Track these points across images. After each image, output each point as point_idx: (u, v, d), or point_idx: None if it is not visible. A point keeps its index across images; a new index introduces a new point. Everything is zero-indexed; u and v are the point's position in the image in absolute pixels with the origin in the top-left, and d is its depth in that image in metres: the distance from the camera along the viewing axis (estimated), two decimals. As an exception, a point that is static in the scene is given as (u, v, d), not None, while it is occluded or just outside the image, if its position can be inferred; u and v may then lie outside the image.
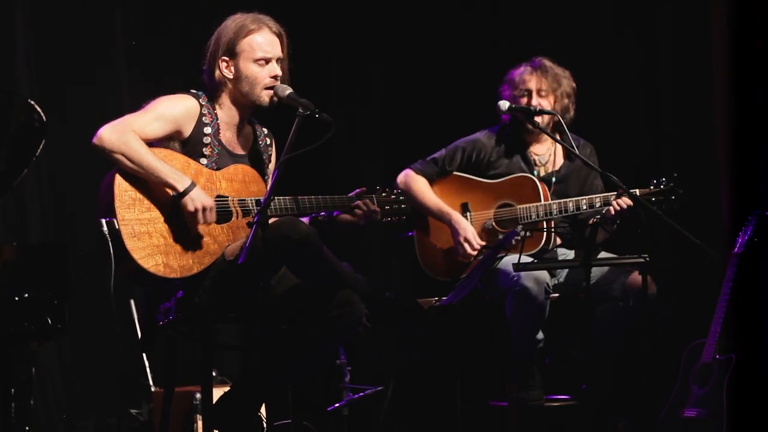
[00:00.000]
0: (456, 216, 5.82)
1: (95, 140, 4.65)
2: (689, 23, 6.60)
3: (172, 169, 4.68)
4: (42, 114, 4.86)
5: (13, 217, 6.40)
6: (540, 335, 5.63)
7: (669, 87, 6.75)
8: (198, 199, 4.66)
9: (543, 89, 5.81)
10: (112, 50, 6.80)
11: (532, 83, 5.82)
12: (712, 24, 6.30)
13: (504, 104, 5.67)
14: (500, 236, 5.69)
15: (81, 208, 6.40)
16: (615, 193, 5.56)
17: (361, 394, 6.32)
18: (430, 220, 5.93)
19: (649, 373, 5.91)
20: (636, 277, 5.50)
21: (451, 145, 5.98)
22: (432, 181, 5.93)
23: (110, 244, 4.55)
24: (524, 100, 5.80)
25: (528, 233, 5.54)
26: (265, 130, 5.11)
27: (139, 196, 4.64)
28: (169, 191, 4.67)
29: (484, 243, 5.75)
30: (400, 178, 5.94)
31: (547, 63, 5.87)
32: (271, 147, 5.11)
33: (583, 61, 6.66)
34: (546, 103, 5.79)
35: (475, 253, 5.71)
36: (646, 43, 6.83)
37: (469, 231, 5.76)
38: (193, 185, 4.66)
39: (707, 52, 6.36)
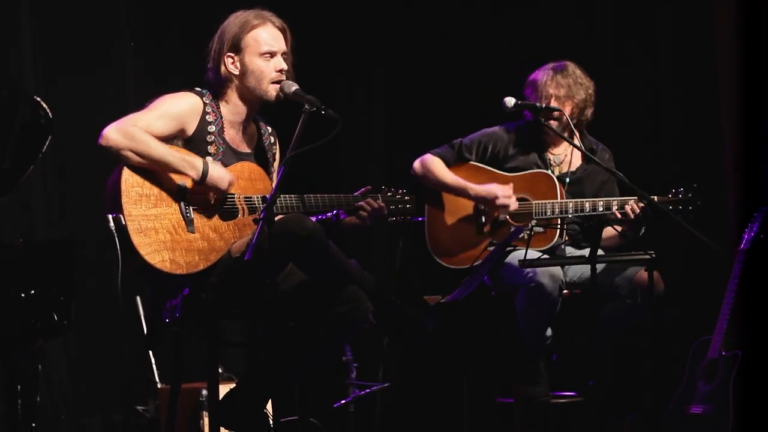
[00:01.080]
0: (474, 186, 5.80)
1: (101, 141, 4.65)
2: (693, 21, 6.60)
3: (182, 155, 4.69)
4: (48, 111, 4.86)
5: (19, 213, 6.40)
6: (548, 332, 5.63)
7: (674, 84, 6.74)
8: (220, 180, 4.69)
9: (561, 95, 5.82)
10: (116, 47, 6.80)
11: (552, 88, 5.82)
12: (717, 22, 6.30)
13: (510, 101, 5.66)
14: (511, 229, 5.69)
15: (87, 204, 6.39)
16: (633, 198, 5.54)
17: (368, 390, 6.32)
18: (440, 207, 5.92)
19: (655, 370, 5.91)
20: (643, 274, 5.49)
21: (469, 135, 5.98)
22: (449, 166, 5.92)
23: (117, 239, 4.55)
24: (546, 102, 5.80)
25: (534, 231, 5.54)
26: (269, 129, 5.11)
27: (146, 191, 4.65)
28: (181, 179, 4.68)
29: (512, 195, 5.74)
30: (417, 162, 5.95)
31: (570, 67, 5.87)
32: (275, 145, 5.11)
33: (585, 61, 6.65)
34: (564, 107, 5.79)
35: (513, 202, 5.71)
36: (649, 41, 6.83)
37: (495, 189, 5.74)
38: (206, 166, 4.67)
39: (712, 48, 6.36)
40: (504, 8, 7.12)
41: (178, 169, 4.67)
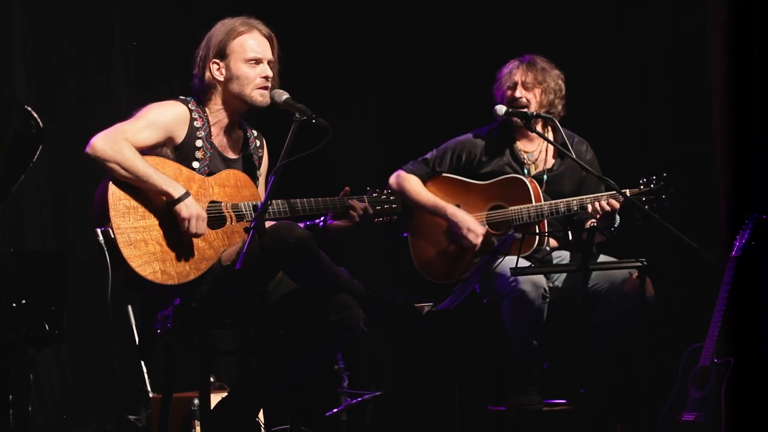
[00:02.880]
0: (452, 208, 5.80)
1: (89, 150, 4.65)
2: (686, 25, 6.60)
3: (166, 177, 4.68)
4: (39, 120, 4.87)
5: (11, 222, 6.39)
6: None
7: (666, 90, 6.74)
8: (192, 206, 4.66)
9: (528, 81, 5.82)
10: (108, 55, 6.81)
11: (518, 75, 5.84)
12: (709, 26, 6.30)
13: (501, 108, 5.67)
14: (494, 238, 5.69)
15: (78, 213, 6.39)
16: (606, 194, 5.54)
17: (359, 399, 6.32)
18: (423, 223, 5.92)
19: (647, 377, 5.92)
20: (633, 280, 5.49)
21: (440, 146, 5.98)
22: (424, 181, 5.92)
23: (107, 253, 4.55)
24: (509, 93, 5.81)
25: (525, 238, 5.54)
26: (255, 132, 5.11)
27: (134, 204, 4.64)
28: (164, 197, 4.68)
29: (485, 231, 5.73)
30: (392, 179, 5.93)
31: (537, 58, 5.89)
32: (262, 149, 5.11)
33: (581, 64, 6.67)
34: (531, 96, 5.80)
35: (480, 241, 5.70)
36: (643, 46, 6.83)
37: (469, 221, 5.74)
38: (187, 194, 4.66)
39: (704, 54, 6.36)
40: (503, 9, 7.12)
41: (160, 188, 4.65)
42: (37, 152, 4.88)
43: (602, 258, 5.58)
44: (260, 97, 4.88)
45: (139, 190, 4.65)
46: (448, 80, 7.11)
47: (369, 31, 7.37)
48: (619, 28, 6.91)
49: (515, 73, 5.85)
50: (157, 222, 4.67)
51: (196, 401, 5.75)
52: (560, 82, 5.88)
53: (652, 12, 6.79)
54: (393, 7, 7.30)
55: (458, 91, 7.01)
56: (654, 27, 6.79)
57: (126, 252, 4.56)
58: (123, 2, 6.88)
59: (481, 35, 7.13)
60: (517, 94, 5.80)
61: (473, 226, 5.73)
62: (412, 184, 5.91)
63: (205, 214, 4.69)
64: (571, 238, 5.81)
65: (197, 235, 4.68)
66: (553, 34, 6.86)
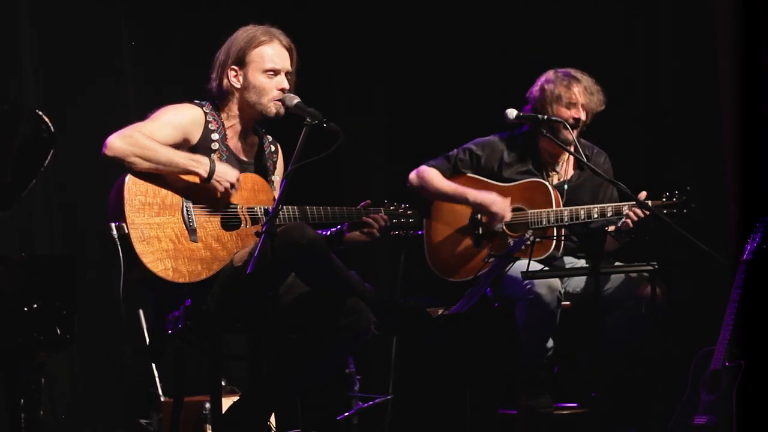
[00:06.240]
0: (473, 192, 5.78)
1: (106, 150, 4.66)
2: (694, 29, 6.60)
3: (187, 155, 4.72)
4: (50, 125, 4.86)
5: (21, 226, 6.40)
6: (550, 343, 5.62)
7: (675, 93, 6.74)
8: (224, 179, 4.72)
9: (585, 104, 5.79)
10: (116, 58, 6.82)
11: (583, 97, 5.77)
12: (718, 31, 6.30)
13: (511, 112, 5.65)
14: (510, 241, 5.69)
15: (88, 217, 6.40)
16: (628, 203, 5.53)
17: (371, 402, 6.31)
18: (439, 219, 5.92)
19: (658, 381, 5.91)
20: (645, 285, 5.49)
21: (463, 145, 5.98)
22: (445, 176, 5.92)
23: (119, 247, 4.55)
24: (572, 111, 5.75)
25: (537, 239, 5.53)
26: (270, 138, 5.13)
27: (150, 200, 4.66)
28: (191, 178, 4.71)
29: (510, 202, 5.74)
30: (412, 174, 5.95)
31: (589, 80, 5.84)
32: (277, 154, 5.13)
33: (586, 69, 6.66)
34: (585, 117, 5.78)
35: (509, 211, 5.71)
36: (650, 49, 6.83)
37: (494, 197, 5.74)
38: (213, 164, 4.70)
39: (713, 58, 6.36)
40: (503, 16, 7.12)
41: (186, 168, 4.69)
42: (48, 157, 4.88)
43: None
44: (274, 108, 4.90)
45: (156, 186, 4.67)
46: (454, 84, 7.11)
47: (374, 39, 7.37)
48: (625, 30, 6.90)
49: (577, 92, 5.79)
50: (171, 220, 4.68)
51: (208, 405, 5.75)
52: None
53: (658, 19, 6.79)
54: (399, 15, 7.31)
55: (463, 93, 7.02)
56: (661, 29, 6.79)
57: (139, 248, 4.58)
58: (129, 4, 6.89)
59: (487, 40, 7.13)
60: (582, 117, 5.77)
61: (499, 200, 5.71)
62: (432, 174, 5.91)
63: (237, 174, 4.75)
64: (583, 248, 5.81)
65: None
66: (557, 40, 6.86)
